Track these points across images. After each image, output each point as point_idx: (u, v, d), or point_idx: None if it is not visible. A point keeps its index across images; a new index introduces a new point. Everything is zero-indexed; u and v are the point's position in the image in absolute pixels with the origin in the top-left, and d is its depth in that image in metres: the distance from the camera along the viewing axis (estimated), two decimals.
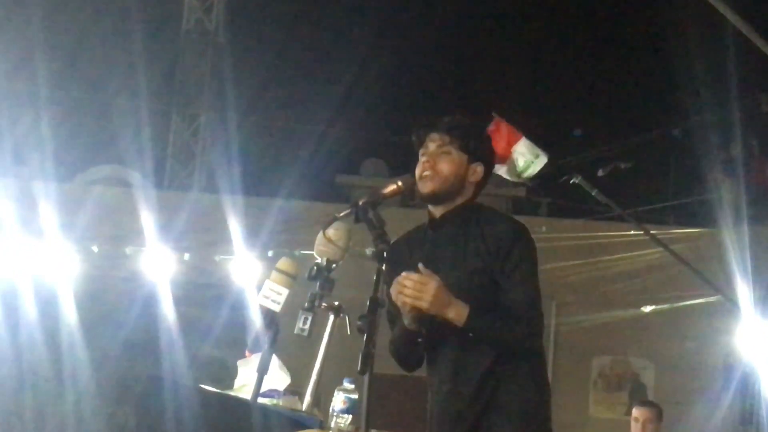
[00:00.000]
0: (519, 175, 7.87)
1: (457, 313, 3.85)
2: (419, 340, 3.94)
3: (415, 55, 17.59)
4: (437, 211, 4.09)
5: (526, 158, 7.84)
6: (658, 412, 8.29)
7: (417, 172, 4.06)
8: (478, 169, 4.11)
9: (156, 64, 15.28)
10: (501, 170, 7.74)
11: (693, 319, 12.19)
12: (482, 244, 3.97)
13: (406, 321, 3.92)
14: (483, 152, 4.16)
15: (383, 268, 3.74)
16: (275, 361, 4.79)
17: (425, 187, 4.03)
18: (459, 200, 4.08)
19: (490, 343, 3.91)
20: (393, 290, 3.84)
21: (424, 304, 3.80)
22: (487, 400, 3.94)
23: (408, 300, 3.82)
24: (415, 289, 3.80)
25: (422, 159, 4.07)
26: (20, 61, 13.87)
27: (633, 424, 8.27)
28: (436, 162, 4.04)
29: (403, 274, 3.83)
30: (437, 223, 4.07)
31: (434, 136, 4.08)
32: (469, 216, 4.06)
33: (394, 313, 4.05)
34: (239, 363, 5.23)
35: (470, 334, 3.88)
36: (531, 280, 3.97)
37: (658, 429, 8.24)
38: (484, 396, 3.95)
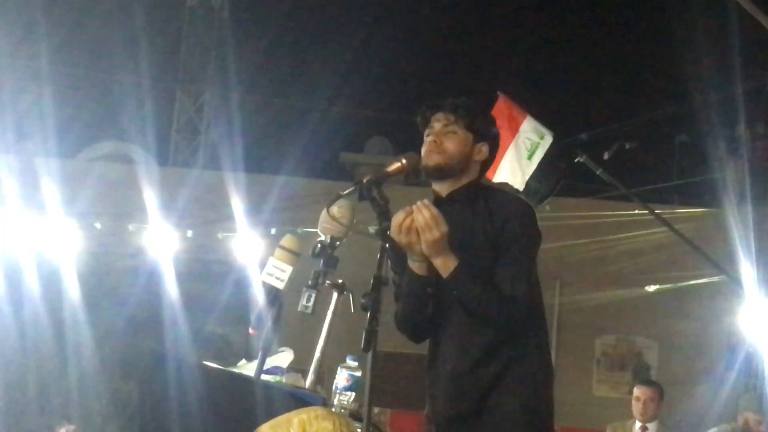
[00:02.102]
0: (526, 159, 7.78)
1: (445, 263, 3.85)
2: (429, 290, 3.92)
3: (419, 32, 17.53)
4: (443, 189, 4.09)
5: (532, 140, 7.78)
6: (659, 392, 8.32)
7: (423, 151, 4.07)
8: (483, 149, 4.12)
9: (160, 40, 15.25)
10: (506, 170, 7.62)
11: (697, 298, 12.17)
12: (489, 223, 3.97)
13: (415, 257, 3.87)
14: (488, 132, 4.17)
15: (387, 245, 3.75)
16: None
17: (431, 161, 4.04)
18: (464, 179, 4.08)
19: (465, 306, 3.89)
20: (399, 216, 3.80)
21: (428, 236, 3.77)
22: (494, 379, 3.94)
23: (419, 222, 3.77)
24: (430, 219, 3.78)
25: (428, 138, 4.08)
26: (22, 37, 13.84)
27: (634, 403, 8.31)
28: (442, 140, 4.06)
29: (425, 200, 3.82)
30: (443, 202, 4.05)
31: (440, 115, 4.10)
32: (476, 195, 4.07)
33: (399, 270, 4.02)
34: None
35: (455, 292, 3.87)
36: (522, 261, 3.95)
37: (659, 408, 8.28)
38: (490, 375, 3.94)
